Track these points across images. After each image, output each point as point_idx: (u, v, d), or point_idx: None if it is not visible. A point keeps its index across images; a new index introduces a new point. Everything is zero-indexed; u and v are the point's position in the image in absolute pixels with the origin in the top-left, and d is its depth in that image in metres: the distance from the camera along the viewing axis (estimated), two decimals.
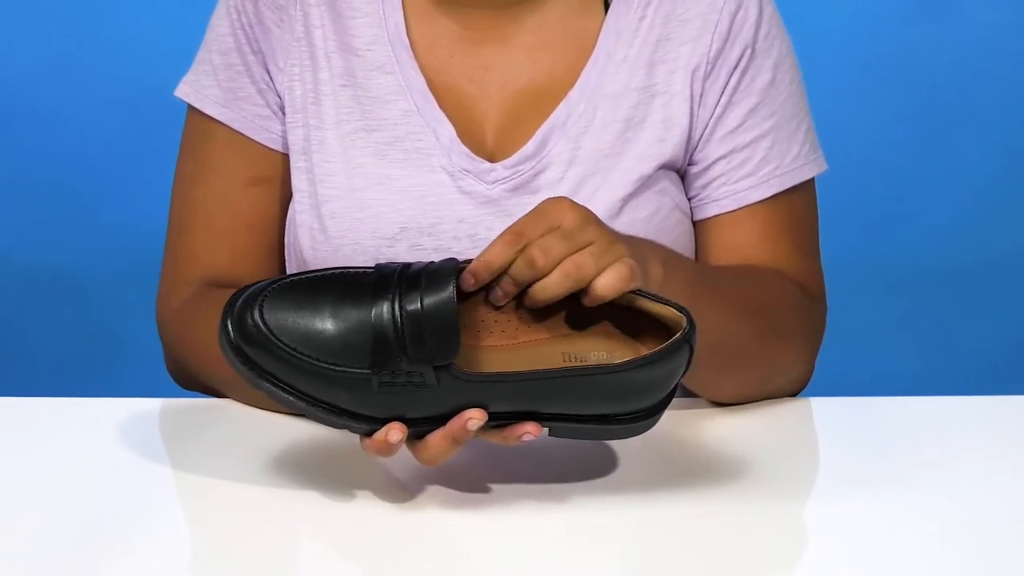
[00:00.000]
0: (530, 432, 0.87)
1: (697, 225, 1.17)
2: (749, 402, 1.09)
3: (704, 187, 1.16)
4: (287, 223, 1.17)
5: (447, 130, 1.13)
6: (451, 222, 1.11)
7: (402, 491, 0.92)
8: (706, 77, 1.14)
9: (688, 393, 1.09)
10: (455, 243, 1.11)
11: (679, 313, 0.88)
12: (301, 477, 0.94)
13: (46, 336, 2.29)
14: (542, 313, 0.92)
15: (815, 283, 1.17)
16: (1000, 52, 2.29)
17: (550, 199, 0.91)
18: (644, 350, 0.90)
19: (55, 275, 2.27)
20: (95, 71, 2.23)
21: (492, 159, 1.13)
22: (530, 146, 1.13)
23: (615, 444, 0.98)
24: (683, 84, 1.14)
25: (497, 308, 0.92)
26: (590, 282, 0.88)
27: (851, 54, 2.28)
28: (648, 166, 1.13)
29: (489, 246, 0.88)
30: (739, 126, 1.15)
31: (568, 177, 1.12)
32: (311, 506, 0.90)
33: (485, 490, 0.92)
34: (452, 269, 0.87)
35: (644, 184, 1.13)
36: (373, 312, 0.86)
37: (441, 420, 0.87)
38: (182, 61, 1.20)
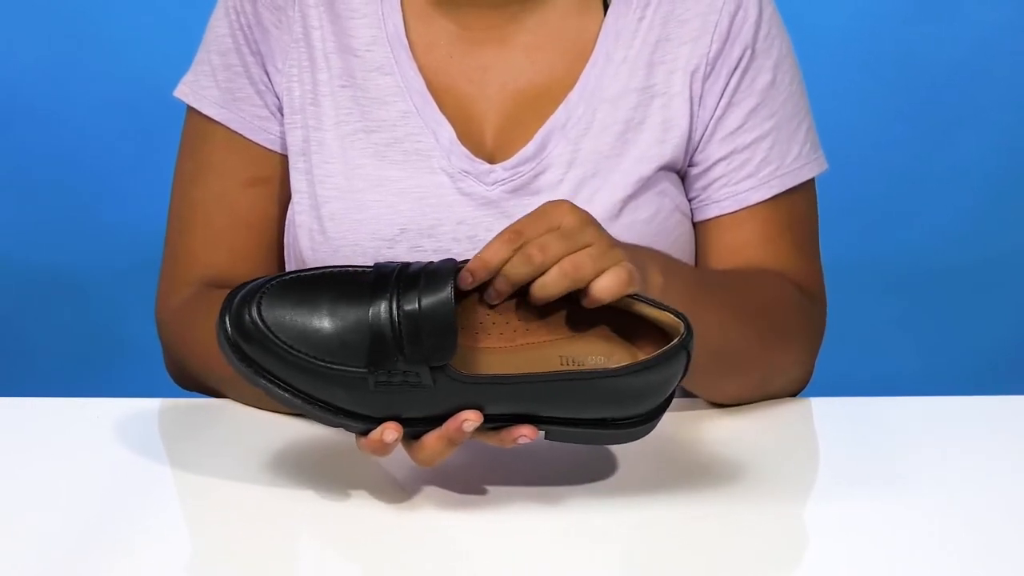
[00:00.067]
0: (526, 435, 0.87)
1: (697, 226, 1.17)
2: (749, 403, 1.09)
3: (704, 188, 1.16)
4: (286, 224, 1.17)
5: (447, 131, 1.13)
6: (451, 223, 1.11)
7: (402, 491, 0.92)
8: (706, 78, 1.14)
9: (687, 394, 1.09)
10: (455, 244, 1.11)
11: (677, 319, 0.88)
12: (301, 477, 0.94)
13: (46, 336, 2.29)
14: (541, 316, 0.92)
15: (815, 283, 1.17)
16: (1000, 52, 2.29)
17: (551, 201, 0.91)
18: (642, 355, 0.90)
19: (55, 275, 2.27)
20: (95, 71, 2.23)
21: (491, 160, 1.13)
22: (530, 148, 1.13)
23: (614, 445, 0.98)
24: (682, 85, 1.14)
25: (493, 307, 0.92)
26: (588, 284, 0.88)
27: (851, 54, 2.28)
28: (648, 167, 1.13)
29: (487, 244, 0.88)
30: (739, 127, 1.15)
31: (568, 179, 1.12)
32: (311, 506, 0.90)
33: (485, 490, 0.92)
34: (451, 270, 0.87)
35: (644, 185, 1.13)
36: (371, 311, 0.86)
37: (437, 421, 0.87)
38: (182, 61, 1.20)
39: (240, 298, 0.87)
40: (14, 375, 2.25)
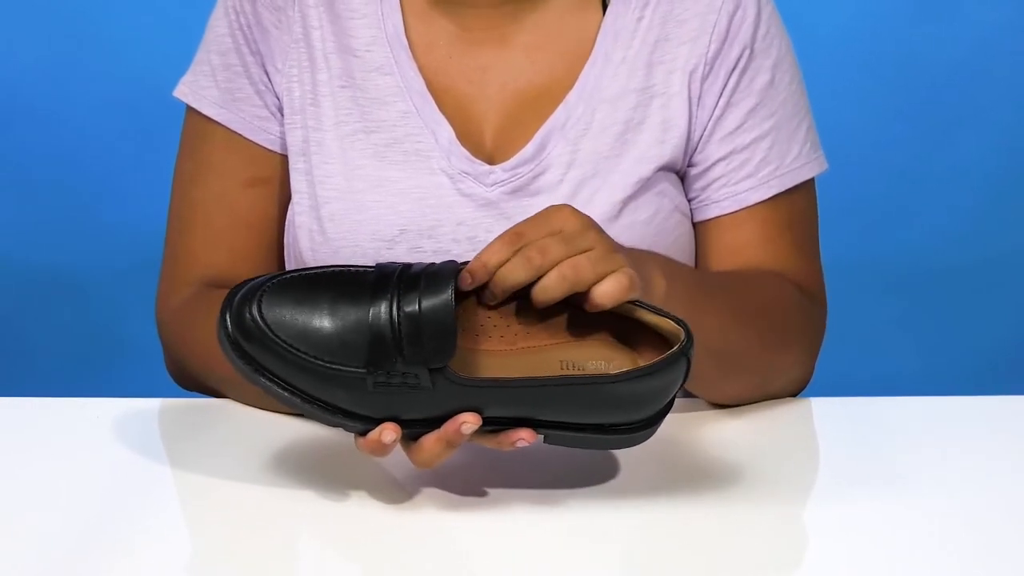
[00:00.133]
0: (524, 438, 0.87)
1: (697, 226, 1.17)
2: (749, 403, 1.09)
3: (704, 188, 1.16)
4: (286, 224, 1.17)
5: (446, 132, 1.13)
6: (450, 224, 1.11)
7: (402, 492, 0.92)
8: (704, 78, 1.14)
9: (688, 394, 1.09)
10: (454, 245, 1.11)
11: (677, 325, 0.88)
12: (301, 477, 0.94)
13: (46, 336, 2.29)
14: (542, 320, 0.92)
15: (815, 283, 1.17)
16: (1000, 52, 2.29)
17: (552, 205, 0.92)
18: (643, 361, 0.90)
19: (55, 275, 2.27)
20: (95, 71, 2.23)
21: (491, 161, 1.13)
22: (529, 148, 1.13)
23: None
24: (681, 85, 1.14)
25: (491, 308, 0.92)
26: (588, 288, 0.88)
27: (851, 54, 2.28)
28: (647, 168, 1.13)
29: (487, 246, 0.88)
30: (738, 127, 1.15)
31: (567, 179, 1.12)
32: (311, 506, 0.90)
33: (485, 491, 0.92)
34: (452, 272, 0.87)
35: (643, 186, 1.13)
36: (371, 312, 0.86)
37: (436, 422, 0.87)
38: (182, 61, 1.20)
39: (241, 296, 0.87)
40: (14, 375, 2.25)
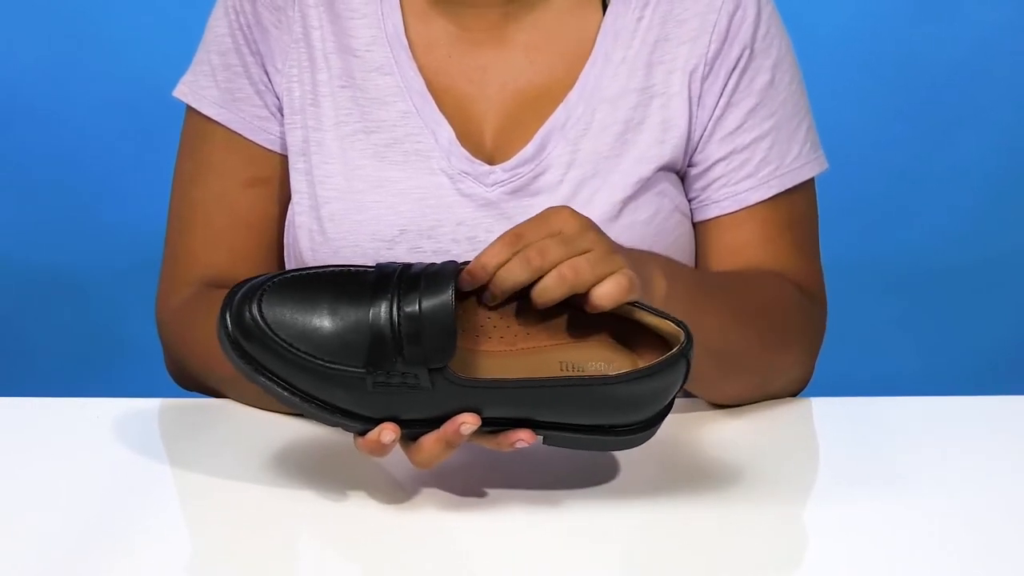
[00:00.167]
0: (523, 439, 0.87)
1: (697, 226, 1.17)
2: (749, 403, 1.09)
3: (704, 189, 1.16)
4: (286, 224, 1.17)
5: (446, 132, 1.13)
6: (450, 224, 1.11)
7: (402, 491, 0.92)
8: (704, 78, 1.14)
9: (688, 394, 1.09)
10: (454, 246, 1.11)
11: (677, 327, 0.88)
12: (301, 477, 0.94)
13: (46, 336, 2.29)
14: (542, 321, 0.92)
15: (815, 283, 1.17)
16: (1000, 52, 2.29)
17: (551, 207, 0.92)
18: (642, 363, 0.90)
19: (55, 275, 2.27)
20: (95, 71, 2.23)
21: (491, 161, 1.13)
22: (529, 149, 1.12)
23: None
24: (681, 85, 1.14)
25: (492, 309, 0.92)
26: (588, 289, 0.88)
27: (851, 54, 2.28)
28: (647, 168, 1.13)
29: (488, 247, 0.88)
30: (739, 127, 1.15)
31: (567, 179, 1.12)
32: (311, 506, 0.90)
33: (485, 491, 0.92)
34: (452, 272, 0.87)
35: (643, 186, 1.13)
36: (371, 312, 0.86)
37: (435, 423, 0.87)
38: (182, 61, 1.20)
39: (241, 295, 0.87)
40: (14, 375, 2.25)
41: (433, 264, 0.88)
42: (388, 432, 0.87)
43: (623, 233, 1.09)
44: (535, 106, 1.14)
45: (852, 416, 1.09)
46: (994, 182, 2.30)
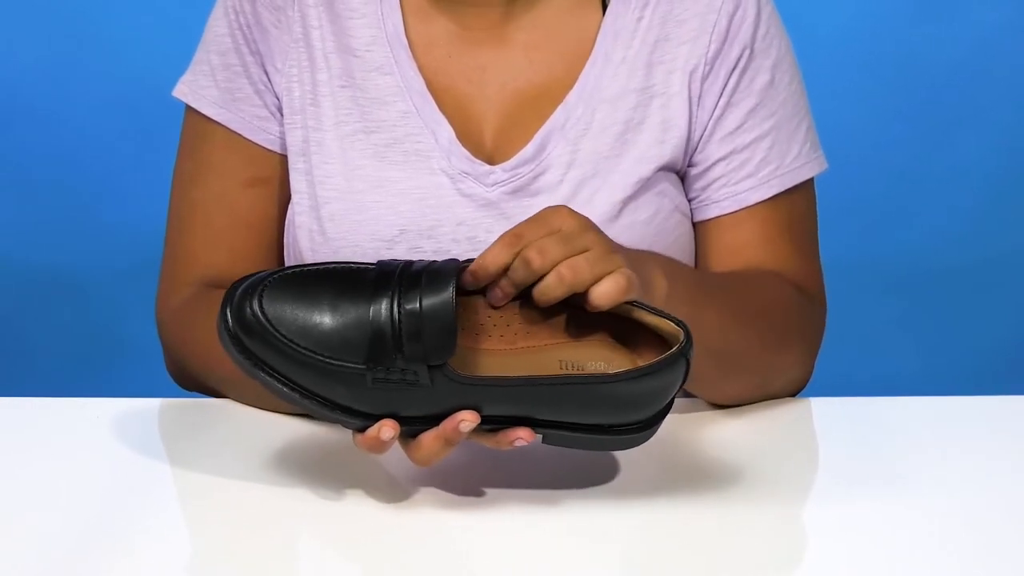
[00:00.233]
0: (522, 438, 0.87)
1: (697, 226, 1.17)
2: (749, 403, 1.09)
3: (704, 188, 1.16)
4: (286, 224, 1.17)
5: (446, 132, 1.13)
6: (450, 224, 1.11)
7: (402, 491, 0.92)
8: (704, 78, 1.14)
9: (688, 394, 1.09)
10: (454, 246, 1.11)
11: (677, 327, 0.88)
12: (301, 477, 0.94)
13: (46, 336, 2.29)
14: (542, 319, 0.92)
15: (814, 283, 1.17)
16: (1000, 52, 2.29)
17: (550, 206, 0.92)
18: (642, 362, 0.90)
19: (55, 275, 2.27)
20: (95, 71, 2.23)
21: (491, 161, 1.13)
22: (529, 149, 1.13)
23: None
24: (681, 85, 1.14)
25: (496, 309, 0.92)
26: (587, 288, 0.88)
27: (851, 54, 2.28)
28: (647, 168, 1.13)
29: (489, 247, 0.89)
30: (739, 127, 1.15)
31: (567, 180, 1.12)
32: (311, 506, 0.90)
33: (486, 491, 0.92)
34: (453, 270, 0.87)
35: (643, 186, 1.13)
36: (372, 309, 0.86)
37: (434, 420, 0.87)
38: (182, 61, 1.20)
39: (242, 291, 0.87)
40: (14, 375, 2.25)
41: (434, 262, 0.88)
42: (387, 429, 0.87)
43: (623, 233, 1.09)
44: (535, 106, 1.14)
45: (852, 416, 1.09)
46: (994, 182, 2.30)
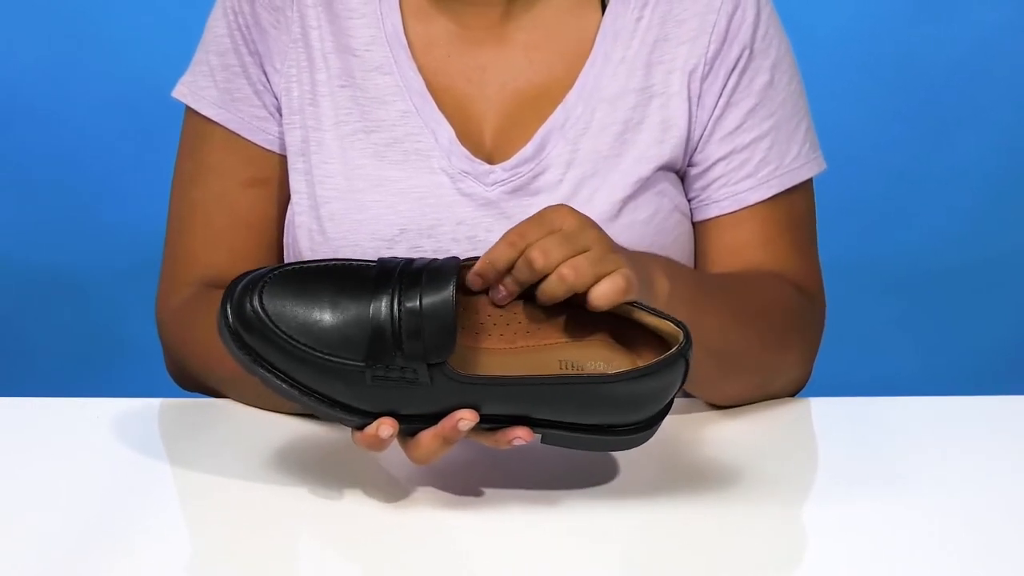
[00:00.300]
0: (521, 437, 0.87)
1: (697, 226, 1.17)
2: (749, 403, 1.10)
3: (704, 188, 1.16)
4: (286, 224, 1.17)
5: (446, 131, 1.13)
6: (450, 224, 1.11)
7: (402, 491, 0.92)
8: (704, 78, 1.15)
9: (687, 394, 1.09)
10: (454, 245, 1.11)
11: (676, 327, 0.89)
12: (301, 477, 0.94)
13: (46, 336, 2.29)
14: (543, 319, 0.92)
15: (814, 283, 1.17)
16: (1000, 52, 2.29)
17: (550, 206, 0.92)
18: (642, 363, 0.90)
19: (55, 275, 2.27)
20: (95, 71, 2.23)
21: (490, 160, 1.13)
22: (529, 148, 1.13)
23: None
24: (681, 85, 1.14)
25: (500, 308, 0.92)
26: (588, 287, 0.88)
27: (850, 54, 2.28)
28: (647, 167, 1.13)
29: (492, 247, 0.89)
30: (738, 127, 1.15)
31: (567, 179, 1.12)
32: (311, 506, 0.90)
33: (485, 490, 0.92)
34: (454, 268, 0.87)
35: (643, 186, 1.13)
36: (372, 306, 0.86)
37: (433, 419, 0.87)
38: (182, 61, 1.20)
39: (242, 287, 0.87)
40: (14, 375, 2.25)
41: (435, 260, 0.88)
42: (386, 427, 0.87)
43: (623, 232, 1.09)
44: (534, 106, 1.14)
45: (851, 416, 1.09)
46: (993, 182, 2.30)
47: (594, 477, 0.94)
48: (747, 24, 1.15)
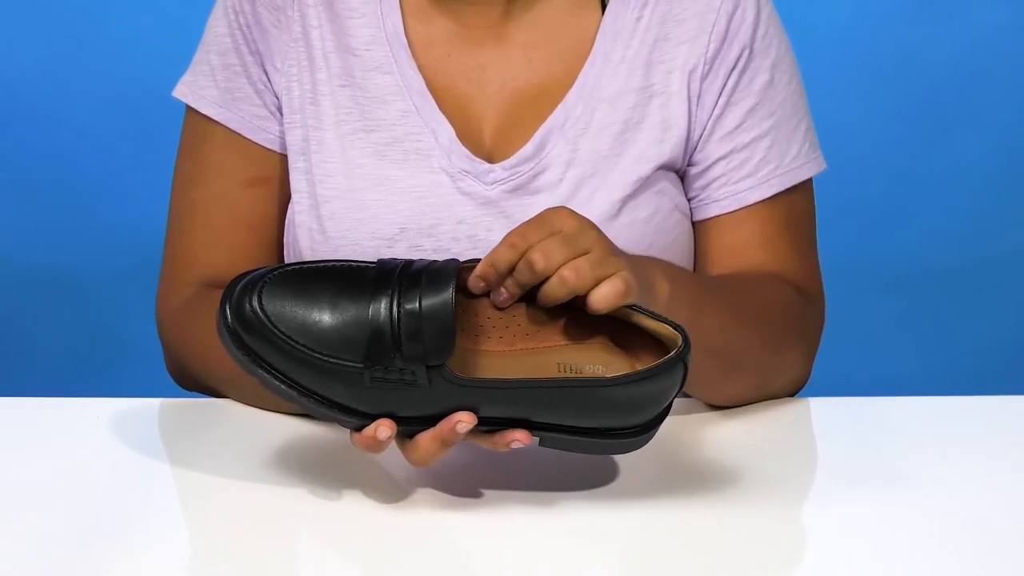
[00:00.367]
0: (519, 440, 0.87)
1: (696, 226, 1.17)
2: (748, 404, 1.10)
3: (704, 188, 1.16)
4: (286, 223, 1.17)
5: (446, 131, 1.13)
6: (450, 223, 1.12)
7: (402, 491, 0.92)
8: (703, 77, 1.15)
9: (687, 394, 1.09)
10: (454, 244, 1.11)
11: (675, 331, 0.89)
12: (301, 477, 0.95)
13: (46, 336, 2.29)
14: (541, 322, 0.92)
15: (813, 283, 1.17)
16: (1000, 52, 2.29)
17: (550, 208, 0.92)
18: (640, 367, 0.90)
19: (55, 275, 2.27)
20: (95, 71, 2.23)
21: (490, 160, 1.13)
22: (529, 148, 1.13)
23: None
24: (680, 84, 1.14)
25: (500, 310, 0.92)
26: (588, 290, 0.88)
27: (850, 54, 2.28)
28: (647, 167, 1.13)
29: (493, 249, 0.89)
30: (738, 126, 1.15)
31: (567, 178, 1.12)
32: (311, 506, 0.90)
33: (485, 491, 0.92)
34: (453, 270, 0.87)
35: (643, 185, 1.13)
36: (371, 307, 0.86)
37: (432, 420, 0.87)
38: (182, 61, 1.20)
39: (241, 287, 0.87)
40: (14, 375, 2.25)
41: (435, 262, 0.88)
42: (384, 429, 0.87)
43: (623, 232, 1.09)
44: (534, 105, 1.14)
45: (851, 416, 1.09)
46: (993, 182, 2.30)
47: (594, 477, 0.94)
48: (747, 24, 1.15)
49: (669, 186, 1.15)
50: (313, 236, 1.13)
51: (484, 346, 0.92)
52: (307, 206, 1.14)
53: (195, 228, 1.16)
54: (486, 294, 0.92)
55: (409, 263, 0.88)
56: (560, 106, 1.14)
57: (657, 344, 0.90)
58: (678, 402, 1.05)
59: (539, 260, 0.88)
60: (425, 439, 0.88)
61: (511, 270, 0.89)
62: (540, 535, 0.87)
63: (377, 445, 0.87)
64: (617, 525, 0.89)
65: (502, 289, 0.90)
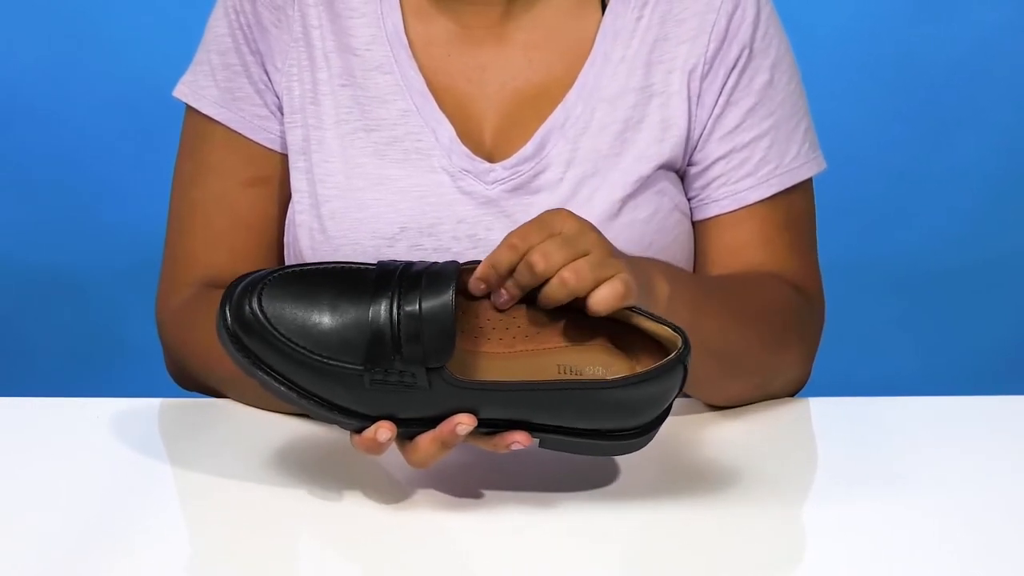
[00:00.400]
0: (519, 441, 0.87)
1: (696, 225, 1.17)
2: (748, 404, 1.10)
3: (704, 187, 1.16)
4: (287, 223, 1.17)
5: (447, 130, 1.13)
6: (451, 222, 1.12)
7: (402, 491, 0.92)
8: (703, 77, 1.15)
9: (687, 395, 1.09)
10: (455, 243, 1.11)
11: (675, 333, 0.89)
12: (301, 477, 0.95)
13: (46, 336, 2.29)
14: (541, 324, 0.92)
15: (813, 283, 1.17)
16: (1000, 52, 2.29)
17: (550, 209, 0.92)
18: (640, 368, 0.90)
19: (55, 275, 2.27)
20: (95, 71, 2.23)
21: (490, 159, 1.13)
22: (529, 147, 1.13)
23: None
24: (680, 84, 1.14)
25: (501, 312, 0.92)
26: (588, 292, 0.88)
27: (850, 54, 2.28)
28: (647, 166, 1.13)
29: (493, 251, 0.89)
30: (738, 126, 1.15)
31: (567, 178, 1.12)
32: (311, 506, 0.90)
33: (485, 491, 0.92)
34: (453, 272, 0.87)
35: (643, 185, 1.13)
36: (371, 309, 0.86)
37: (432, 422, 0.87)
38: (182, 61, 1.20)
39: (241, 289, 0.87)
40: (14, 375, 2.25)
41: (435, 263, 0.88)
42: (384, 430, 0.87)
43: (623, 232, 1.09)
44: (534, 105, 1.14)
45: (851, 416, 1.09)
46: (993, 183, 2.30)
47: (594, 478, 0.94)
48: (747, 23, 1.15)
49: (669, 186, 1.15)
50: (314, 236, 1.13)
51: (484, 348, 0.92)
52: (308, 206, 1.14)
53: (195, 228, 1.16)
54: (486, 296, 0.92)
55: (409, 265, 0.88)
56: (560, 106, 1.14)
57: (657, 346, 0.90)
58: (678, 402, 1.05)
59: (539, 262, 0.88)
60: (425, 441, 0.88)
61: (511, 272, 0.89)
62: (540, 535, 0.87)
63: (377, 447, 0.87)
64: (617, 525, 0.89)
65: (502, 291, 0.90)
